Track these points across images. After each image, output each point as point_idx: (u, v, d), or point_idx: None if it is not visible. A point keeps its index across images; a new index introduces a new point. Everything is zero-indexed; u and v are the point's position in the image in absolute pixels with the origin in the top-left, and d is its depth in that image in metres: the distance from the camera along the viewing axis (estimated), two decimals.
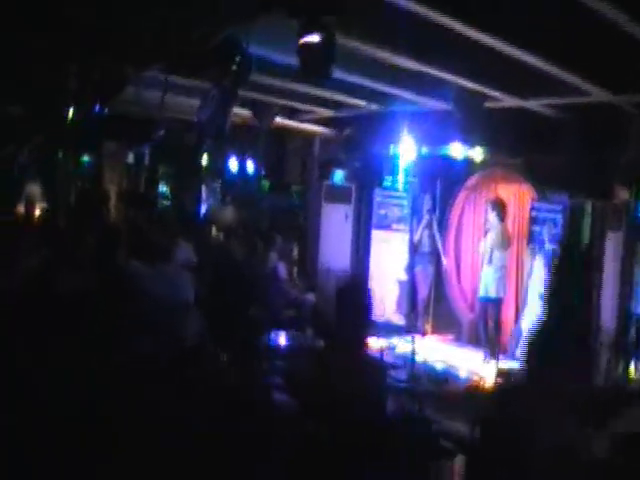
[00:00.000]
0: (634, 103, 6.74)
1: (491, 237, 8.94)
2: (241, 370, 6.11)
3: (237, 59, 5.32)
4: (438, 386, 5.51)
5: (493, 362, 8.24)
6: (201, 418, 4.03)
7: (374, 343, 8.84)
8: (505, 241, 8.95)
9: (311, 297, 9.52)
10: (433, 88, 7.05)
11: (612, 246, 7.71)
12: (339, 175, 10.63)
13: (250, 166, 10.35)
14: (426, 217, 9.81)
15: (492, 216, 8.93)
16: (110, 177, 10.23)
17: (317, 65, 4.48)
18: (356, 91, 7.70)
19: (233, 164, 10.24)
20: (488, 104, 6.97)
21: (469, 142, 8.11)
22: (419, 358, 8.10)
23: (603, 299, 7.79)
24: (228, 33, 5.32)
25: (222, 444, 3.83)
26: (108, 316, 4.94)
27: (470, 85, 6.56)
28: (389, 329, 9.54)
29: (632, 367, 7.33)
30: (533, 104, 7.22)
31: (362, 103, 8.15)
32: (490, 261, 8.90)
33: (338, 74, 6.60)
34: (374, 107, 8.25)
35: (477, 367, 8.43)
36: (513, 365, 8.13)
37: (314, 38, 4.43)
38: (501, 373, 7.46)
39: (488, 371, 8.03)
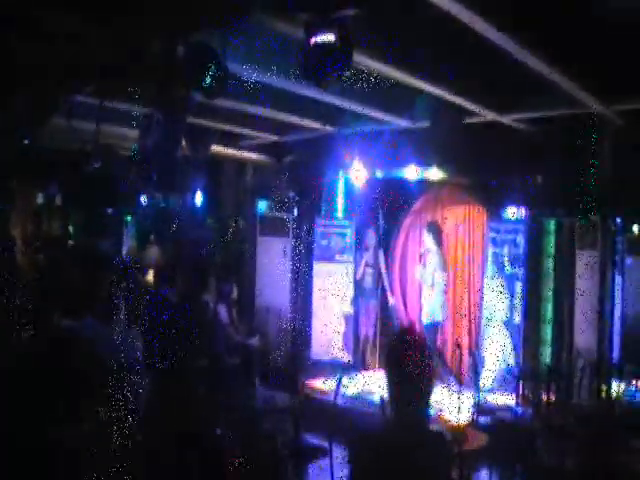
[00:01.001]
0: (621, 112, 6.42)
1: (431, 260, 8.62)
2: None
3: (211, 69, 4.47)
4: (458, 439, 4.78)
5: (462, 395, 7.69)
6: None
7: (322, 384, 8.34)
8: (445, 264, 8.71)
9: (254, 341, 8.65)
10: (404, 104, 6.49)
11: (585, 265, 7.38)
12: (263, 205, 9.92)
13: (180, 199, 9.36)
14: (367, 254, 9.28)
15: (429, 240, 8.65)
16: (14, 220, 8.95)
17: (328, 69, 3.74)
18: (312, 111, 7.03)
19: (160, 198, 9.22)
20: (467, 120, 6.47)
21: (430, 162, 7.59)
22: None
23: (578, 320, 7.44)
24: (199, 39, 4.49)
25: None
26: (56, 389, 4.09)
27: (451, 98, 6.01)
28: (336, 367, 8.95)
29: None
30: (509, 119, 6.78)
31: (316, 125, 7.46)
32: (433, 284, 8.56)
33: (294, 88, 5.93)
34: (329, 129, 7.58)
35: (444, 403, 7.81)
36: (487, 399, 7.61)
37: (328, 37, 3.71)
38: (484, 411, 6.86)
39: (461, 407, 7.45)
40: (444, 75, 5.71)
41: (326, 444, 5.40)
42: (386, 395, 2.95)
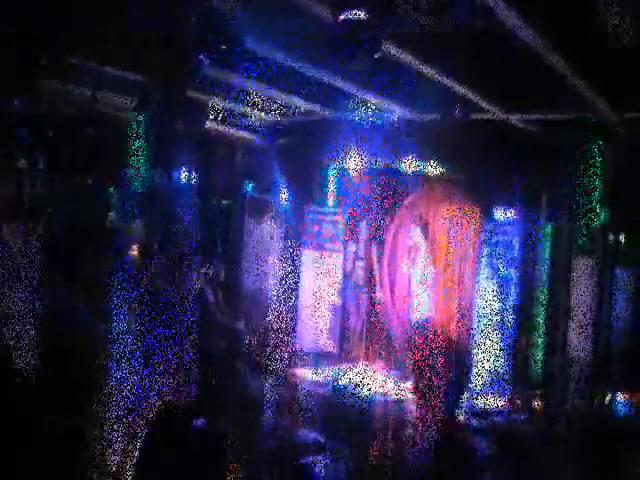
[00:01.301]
0: (627, 119, 6.28)
1: (420, 256, 8.54)
2: None
3: (223, 38, 4.20)
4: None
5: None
6: None
7: (309, 375, 8.19)
8: (434, 260, 8.52)
9: (241, 325, 8.43)
10: (409, 92, 6.26)
11: (582, 271, 7.26)
12: (251, 187, 9.68)
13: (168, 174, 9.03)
14: (358, 246, 9.08)
15: (418, 235, 8.56)
16: None
17: (358, 49, 3.49)
18: (312, 93, 6.77)
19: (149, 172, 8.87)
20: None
21: (429, 156, 7.40)
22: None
23: (572, 326, 7.32)
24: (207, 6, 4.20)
25: None
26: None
27: (463, 91, 5.79)
28: (322, 357, 8.80)
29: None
30: (514, 118, 6.60)
31: (315, 108, 7.22)
32: (421, 281, 8.51)
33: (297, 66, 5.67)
34: (327, 113, 7.34)
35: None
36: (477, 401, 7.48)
37: (357, 14, 3.46)
38: (476, 414, 6.72)
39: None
40: (456, 66, 5.50)
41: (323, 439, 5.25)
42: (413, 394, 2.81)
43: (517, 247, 7.89)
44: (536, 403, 7.16)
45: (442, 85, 5.79)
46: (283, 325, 8.89)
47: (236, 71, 6.01)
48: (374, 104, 6.76)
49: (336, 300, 9.08)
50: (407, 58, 5.20)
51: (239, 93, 7.09)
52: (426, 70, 5.45)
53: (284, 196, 9.29)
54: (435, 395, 2.58)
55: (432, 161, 7.71)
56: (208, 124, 8.09)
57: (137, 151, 7.74)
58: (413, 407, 7.48)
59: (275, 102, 7.32)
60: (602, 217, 7.04)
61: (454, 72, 5.60)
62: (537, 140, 7.16)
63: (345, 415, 6.11)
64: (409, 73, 5.60)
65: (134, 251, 8.43)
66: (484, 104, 6.17)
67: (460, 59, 5.35)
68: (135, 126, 6.16)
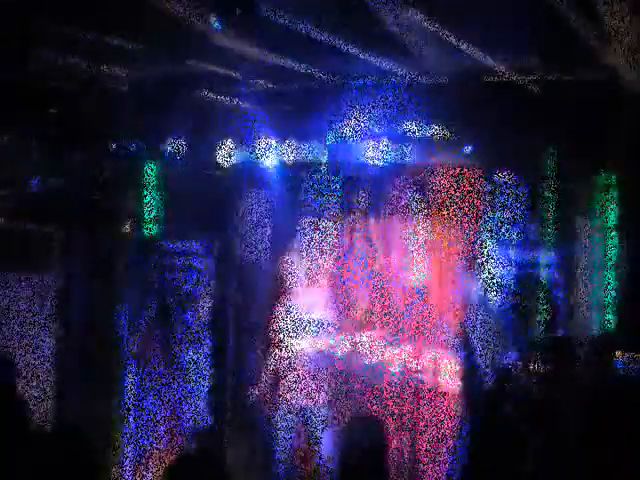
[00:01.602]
0: None
1: (420, 222, 8.48)
2: None
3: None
4: None
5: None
6: None
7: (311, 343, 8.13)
8: (434, 225, 8.47)
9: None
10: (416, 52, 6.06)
11: (586, 231, 7.22)
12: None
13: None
14: (355, 216, 8.96)
15: (416, 198, 8.51)
16: None
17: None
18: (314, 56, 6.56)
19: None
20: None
21: (436, 120, 7.23)
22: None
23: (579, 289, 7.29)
24: None
25: None
26: None
27: (472, 52, 5.61)
28: (321, 326, 8.69)
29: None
30: (525, 79, 6.45)
31: (315, 72, 7.02)
32: (420, 247, 8.45)
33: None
34: (327, 77, 7.15)
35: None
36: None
37: None
38: None
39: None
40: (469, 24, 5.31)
41: None
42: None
43: (520, 211, 7.82)
44: (541, 367, 7.14)
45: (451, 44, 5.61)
46: (282, 297, 8.69)
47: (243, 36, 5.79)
48: (377, 66, 6.56)
49: (335, 270, 8.95)
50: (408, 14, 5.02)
51: (236, 58, 6.84)
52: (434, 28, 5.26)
53: (279, 164, 9.07)
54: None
55: (435, 124, 7.53)
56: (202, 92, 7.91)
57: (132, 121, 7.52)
58: (418, 376, 7.53)
59: (272, 66, 7.08)
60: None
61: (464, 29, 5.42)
62: (543, 100, 7.02)
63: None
64: (417, 32, 5.40)
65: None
66: (493, 64, 5.99)
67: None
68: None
